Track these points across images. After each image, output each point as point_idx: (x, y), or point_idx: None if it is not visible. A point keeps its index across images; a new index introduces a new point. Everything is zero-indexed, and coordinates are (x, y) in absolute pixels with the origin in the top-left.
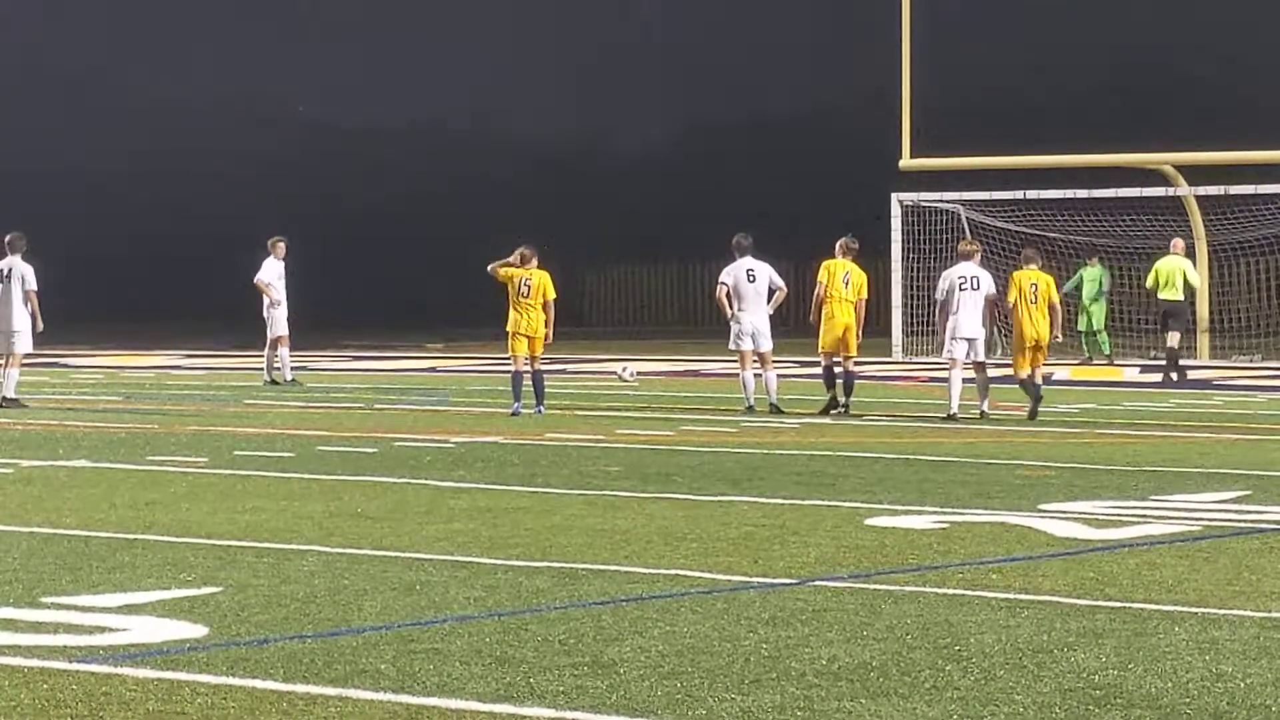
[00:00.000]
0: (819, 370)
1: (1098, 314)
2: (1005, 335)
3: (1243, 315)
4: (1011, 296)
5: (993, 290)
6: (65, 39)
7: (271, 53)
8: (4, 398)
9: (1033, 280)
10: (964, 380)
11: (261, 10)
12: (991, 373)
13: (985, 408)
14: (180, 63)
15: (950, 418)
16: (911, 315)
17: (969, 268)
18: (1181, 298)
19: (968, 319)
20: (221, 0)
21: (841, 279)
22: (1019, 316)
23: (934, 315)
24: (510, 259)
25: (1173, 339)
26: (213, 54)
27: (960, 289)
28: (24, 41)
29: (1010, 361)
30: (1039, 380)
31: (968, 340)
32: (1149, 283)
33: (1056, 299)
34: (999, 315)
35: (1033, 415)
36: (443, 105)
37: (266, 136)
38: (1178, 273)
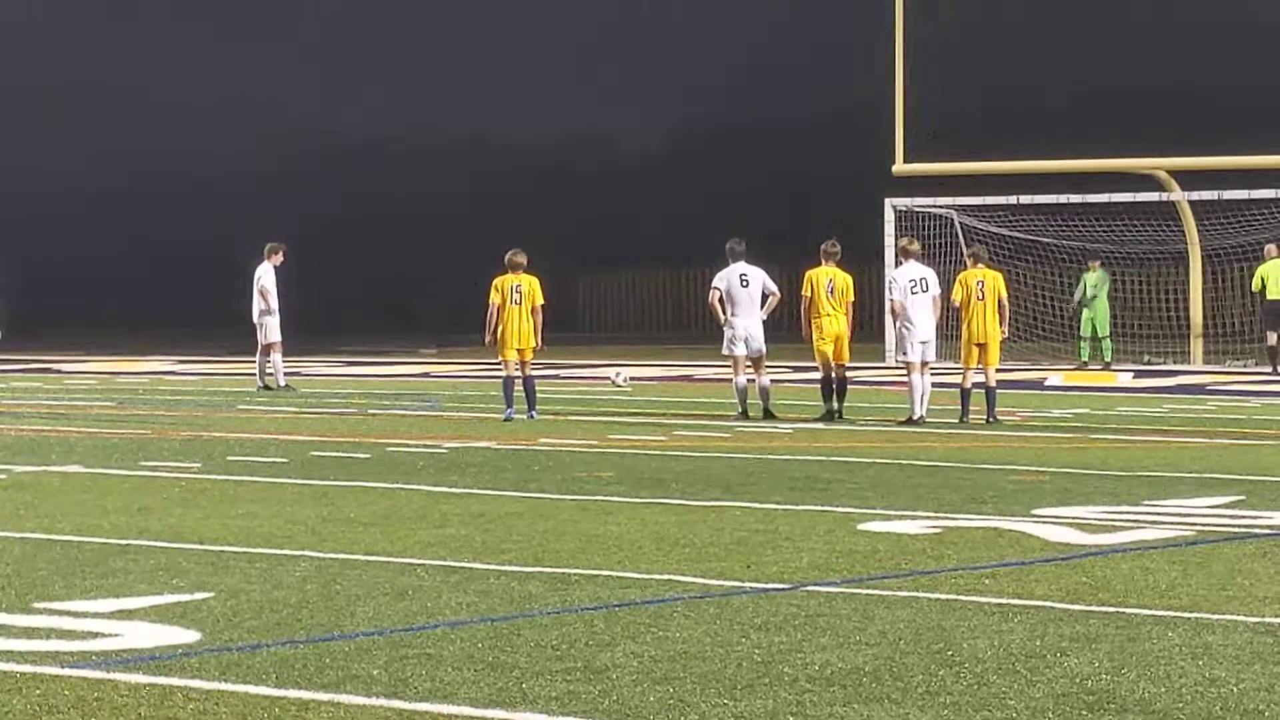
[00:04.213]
0: (813, 376)
1: (1101, 320)
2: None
3: (1236, 320)
4: (958, 296)
5: (938, 290)
6: (64, 43)
7: (269, 56)
8: None
9: (979, 278)
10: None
11: (259, 13)
12: (976, 378)
13: (924, 412)
14: (177, 66)
15: (914, 421)
16: None
17: (917, 269)
18: None
19: (920, 322)
20: (218, 3)
21: (825, 288)
22: (966, 315)
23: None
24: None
25: (1271, 338)
26: (210, 57)
27: (911, 292)
28: (23, 44)
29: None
30: (992, 382)
31: (923, 343)
32: (1254, 285)
33: (1005, 296)
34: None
35: (961, 419)
36: (441, 108)
37: (264, 140)
38: None
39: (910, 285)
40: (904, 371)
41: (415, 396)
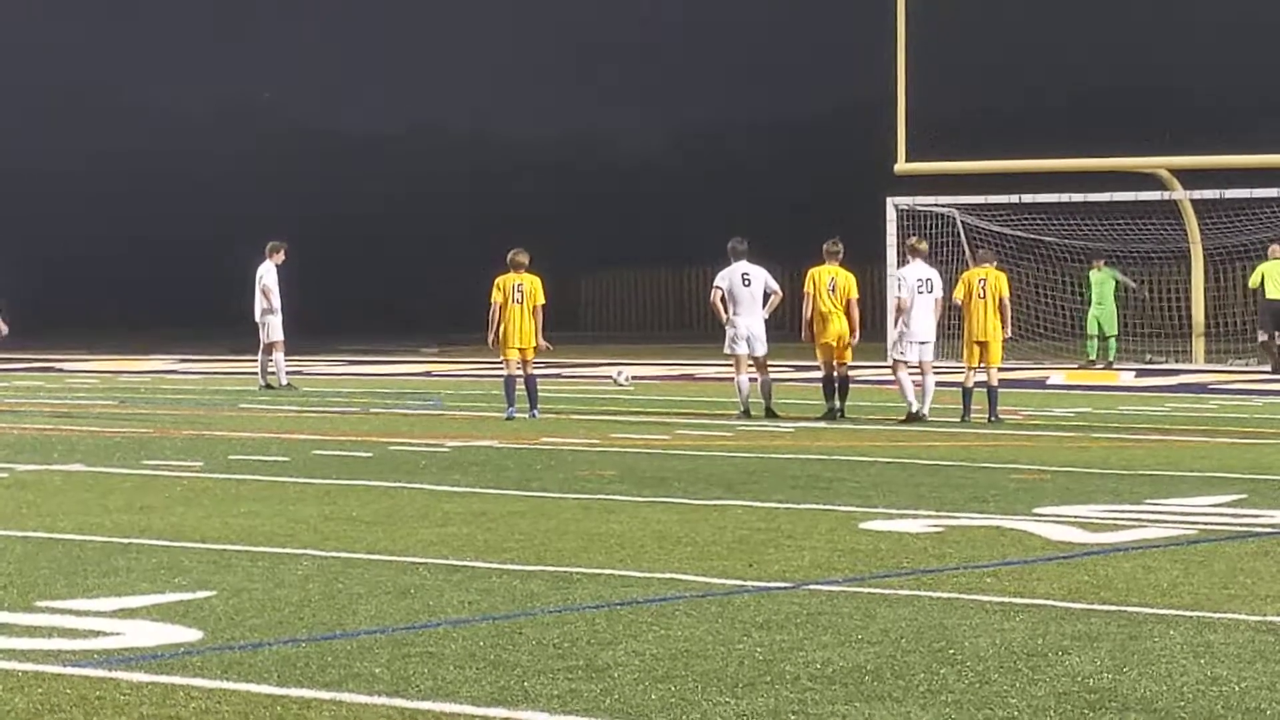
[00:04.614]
0: (814, 375)
1: (1107, 319)
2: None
3: (1238, 320)
4: (960, 294)
5: (941, 293)
6: (64, 43)
7: (270, 57)
8: None
9: (982, 277)
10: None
11: (260, 14)
12: (979, 378)
13: (926, 410)
14: (177, 66)
15: (915, 416)
16: None
17: (924, 269)
18: None
19: (922, 322)
20: (218, 3)
21: (827, 286)
22: (967, 313)
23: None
24: (495, 299)
25: (1262, 336)
26: (210, 57)
27: (918, 292)
28: (23, 44)
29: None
30: (994, 382)
31: (921, 344)
32: (1252, 282)
33: (1007, 295)
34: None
35: (963, 418)
36: (441, 108)
37: (264, 140)
38: None
39: (918, 285)
40: (899, 369)
41: (417, 395)
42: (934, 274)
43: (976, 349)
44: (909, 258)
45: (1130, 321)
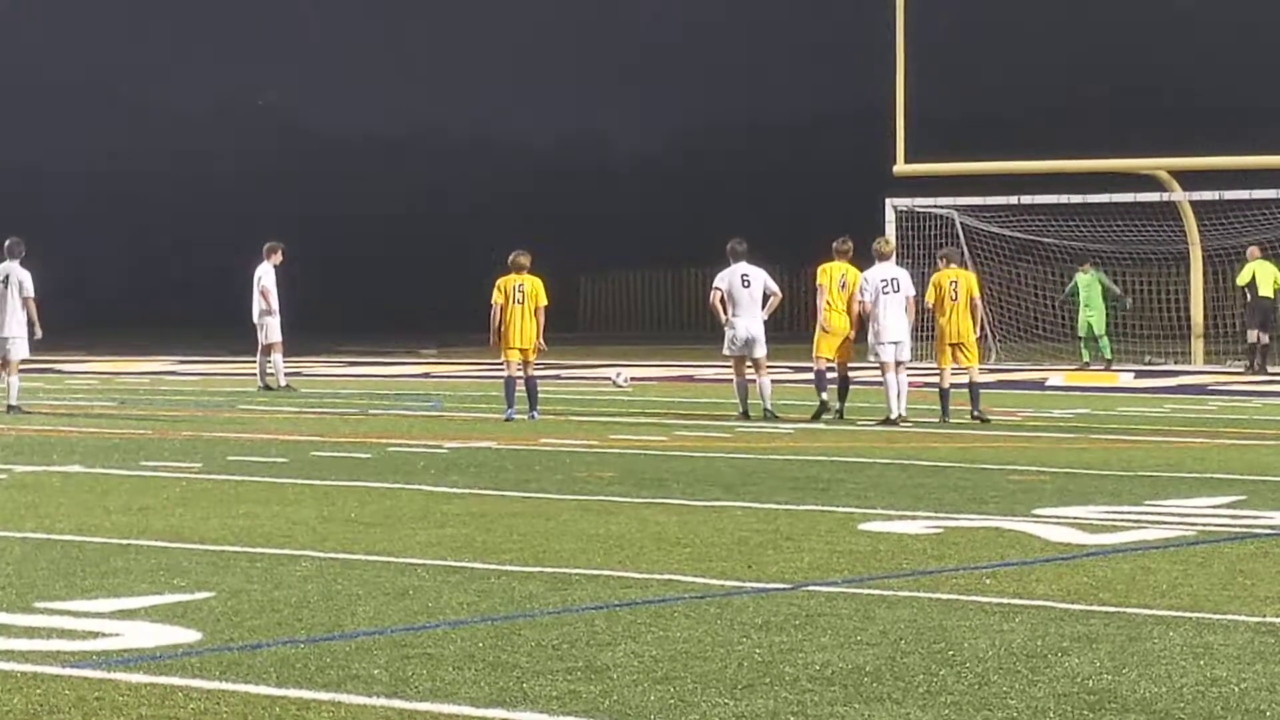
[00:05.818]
0: (811, 375)
1: (1097, 319)
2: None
3: (1237, 321)
4: (931, 297)
5: (912, 290)
6: (64, 43)
7: (271, 60)
8: (7, 405)
9: (952, 278)
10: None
11: (261, 17)
12: (957, 379)
13: (903, 410)
14: (178, 68)
15: (899, 419)
16: None
17: (889, 269)
18: (1271, 295)
19: (892, 322)
20: (221, 6)
21: (838, 283)
22: (941, 317)
23: (927, 320)
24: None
25: (1262, 336)
26: (211, 60)
27: (883, 292)
28: (23, 45)
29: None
30: (975, 379)
31: (893, 344)
32: (1241, 280)
33: (977, 295)
34: (919, 313)
35: (943, 418)
36: (441, 109)
37: (265, 143)
38: (1270, 274)
39: (882, 286)
40: (885, 371)
41: (416, 396)
42: (901, 273)
43: (950, 350)
44: (875, 261)
45: (1128, 322)
